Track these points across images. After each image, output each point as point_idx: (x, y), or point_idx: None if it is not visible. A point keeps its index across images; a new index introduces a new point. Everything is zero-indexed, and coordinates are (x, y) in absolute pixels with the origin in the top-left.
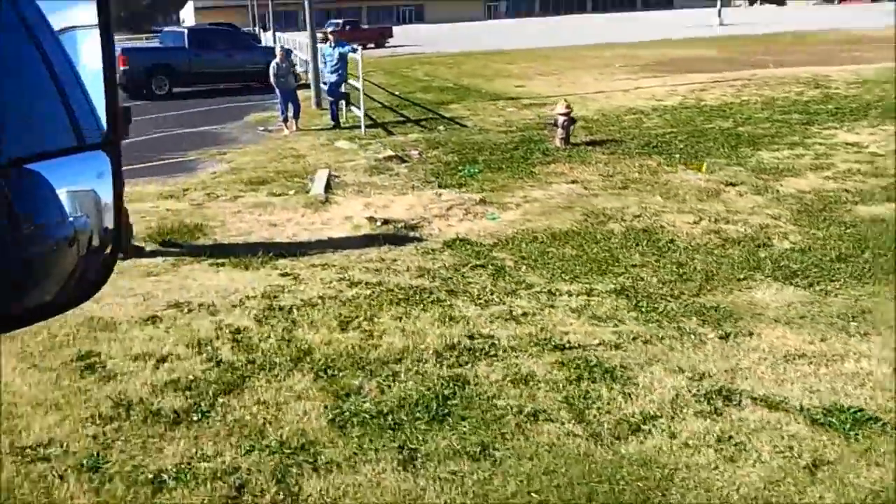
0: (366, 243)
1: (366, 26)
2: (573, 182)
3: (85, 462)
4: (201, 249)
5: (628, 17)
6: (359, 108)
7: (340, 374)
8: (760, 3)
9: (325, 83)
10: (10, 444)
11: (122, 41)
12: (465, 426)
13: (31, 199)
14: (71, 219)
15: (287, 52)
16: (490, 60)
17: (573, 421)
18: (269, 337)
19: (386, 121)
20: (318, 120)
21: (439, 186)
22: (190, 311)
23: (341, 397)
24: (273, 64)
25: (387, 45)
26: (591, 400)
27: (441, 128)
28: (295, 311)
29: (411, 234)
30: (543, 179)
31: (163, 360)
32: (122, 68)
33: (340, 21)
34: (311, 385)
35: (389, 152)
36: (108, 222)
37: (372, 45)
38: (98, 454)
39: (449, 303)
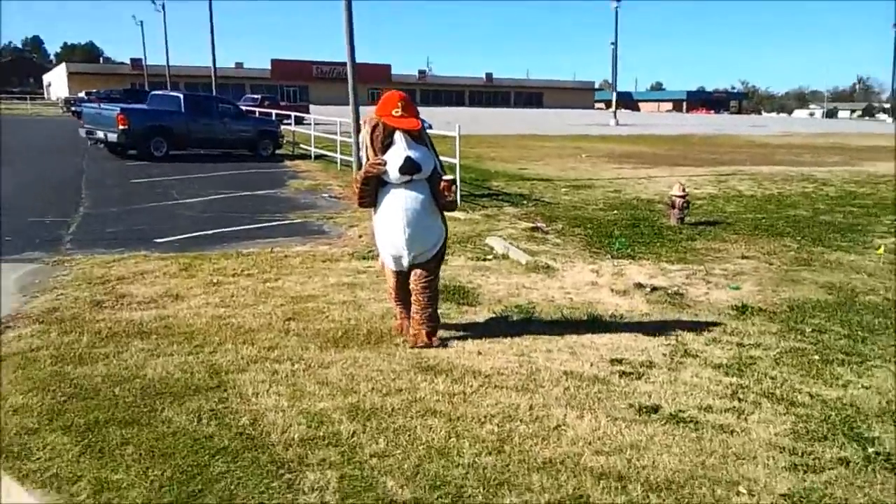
0: (668, 312)
1: (284, 103)
2: (744, 258)
3: None
4: (510, 316)
5: (509, 113)
6: None
7: None
8: (616, 108)
9: None
10: None
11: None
12: None
13: None
14: None
15: None
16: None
17: None
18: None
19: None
20: None
21: (612, 257)
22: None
23: None
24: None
25: (304, 122)
26: None
27: (526, 202)
28: (753, 368)
29: (684, 301)
30: (707, 255)
31: None
32: (121, 127)
33: (258, 97)
34: None
35: (524, 224)
36: None
37: (289, 122)
38: None
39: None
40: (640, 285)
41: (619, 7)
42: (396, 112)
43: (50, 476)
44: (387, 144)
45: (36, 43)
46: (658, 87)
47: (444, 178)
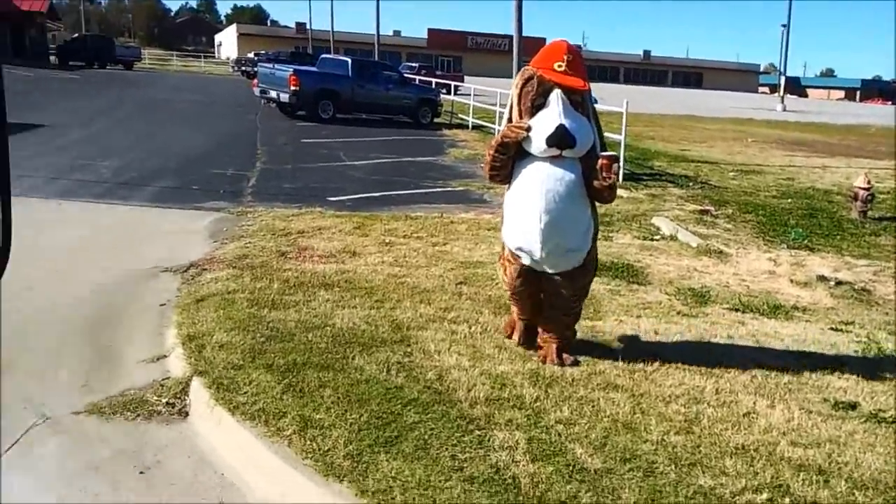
0: (855, 308)
1: (439, 72)
2: None
3: None
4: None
5: (667, 93)
6: None
7: None
8: (783, 93)
9: None
10: None
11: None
12: None
13: None
14: None
15: None
16: None
17: None
18: None
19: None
20: None
21: (788, 247)
22: None
23: None
24: None
25: (458, 91)
26: None
27: (691, 185)
28: None
29: (872, 297)
30: (894, 252)
31: None
32: (292, 88)
33: (416, 65)
34: None
35: (691, 206)
36: None
37: (444, 91)
38: None
39: None
40: (823, 278)
41: None
42: (559, 66)
43: (257, 410)
44: (538, 105)
45: (209, 3)
46: (829, 73)
47: (604, 154)
